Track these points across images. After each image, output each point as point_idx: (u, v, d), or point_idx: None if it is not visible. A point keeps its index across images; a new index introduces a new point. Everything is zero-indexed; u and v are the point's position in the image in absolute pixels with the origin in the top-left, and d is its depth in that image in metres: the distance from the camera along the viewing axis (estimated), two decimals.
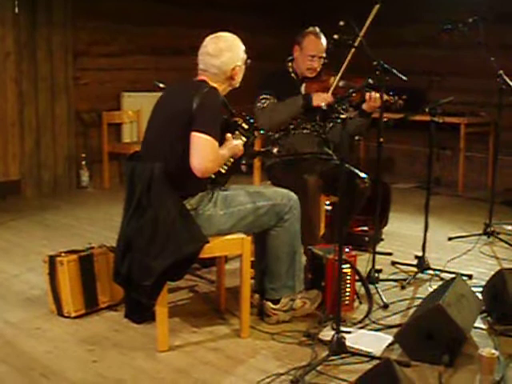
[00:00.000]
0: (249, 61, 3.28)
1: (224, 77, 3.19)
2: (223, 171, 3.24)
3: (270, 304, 3.39)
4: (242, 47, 3.26)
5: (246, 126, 3.28)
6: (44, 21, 6.47)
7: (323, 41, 4.16)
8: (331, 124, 4.29)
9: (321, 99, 3.96)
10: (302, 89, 4.23)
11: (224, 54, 3.16)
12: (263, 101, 4.10)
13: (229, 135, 3.20)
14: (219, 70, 3.17)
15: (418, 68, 7.03)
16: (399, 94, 3.97)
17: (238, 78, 3.25)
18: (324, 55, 4.17)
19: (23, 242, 4.94)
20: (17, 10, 6.29)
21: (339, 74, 4.03)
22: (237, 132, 3.26)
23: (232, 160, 3.26)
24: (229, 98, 3.28)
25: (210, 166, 2.97)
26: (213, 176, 3.16)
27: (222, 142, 3.14)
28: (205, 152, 2.93)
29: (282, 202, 3.26)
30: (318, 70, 4.21)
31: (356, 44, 3.81)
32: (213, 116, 3.01)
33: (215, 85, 3.15)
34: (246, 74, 3.30)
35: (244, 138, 3.28)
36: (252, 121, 3.33)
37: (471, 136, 6.97)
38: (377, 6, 3.76)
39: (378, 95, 3.88)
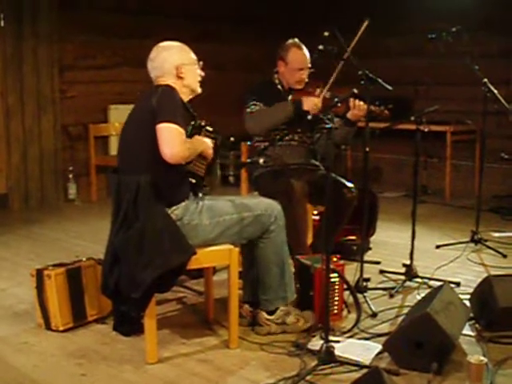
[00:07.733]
0: (201, 62, 3.32)
1: (171, 76, 3.22)
2: (201, 174, 3.26)
3: (264, 314, 3.38)
4: (185, 49, 3.29)
5: (210, 129, 3.31)
6: (30, 34, 6.47)
7: (306, 51, 4.17)
8: (318, 134, 4.29)
9: (311, 104, 3.94)
10: (289, 100, 4.24)
11: (161, 54, 3.24)
12: (252, 106, 4.09)
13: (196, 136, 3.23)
14: (161, 71, 3.22)
15: (404, 78, 7.07)
16: (386, 104, 3.98)
17: (190, 79, 3.26)
18: (310, 65, 4.18)
19: (10, 255, 4.92)
20: (2, 23, 6.29)
21: (327, 86, 4.03)
22: (202, 134, 3.27)
23: (207, 161, 3.26)
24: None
25: (181, 150, 2.97)
26: (193, 180, 3.19)
27: None
28: (172, 138, 2.94)
29: (266, 212, 3.26)
30: (307, 80, 4.22)
31: (342, 55, 3.82)
32: (173, 106, 3.03)
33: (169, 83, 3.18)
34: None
35: (211, 140, 3.30)
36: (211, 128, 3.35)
37: (457, 144, 7.02)
38: (366, 22, 3.77)
39: (362, 103, 3.89)
